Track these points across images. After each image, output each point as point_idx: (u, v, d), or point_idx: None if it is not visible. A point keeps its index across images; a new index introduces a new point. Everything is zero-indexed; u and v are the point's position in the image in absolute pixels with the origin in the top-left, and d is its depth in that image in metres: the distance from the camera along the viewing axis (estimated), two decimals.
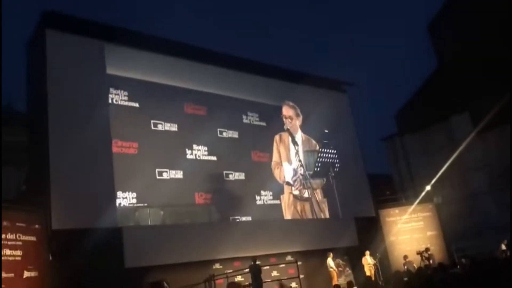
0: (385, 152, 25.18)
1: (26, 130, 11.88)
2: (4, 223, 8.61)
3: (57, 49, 11.33)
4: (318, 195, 12.55)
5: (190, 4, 58.24)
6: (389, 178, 24.12)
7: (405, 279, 8.98)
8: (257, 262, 10.65)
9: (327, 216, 13.89)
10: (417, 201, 17.41)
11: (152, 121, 9.85)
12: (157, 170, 9.60)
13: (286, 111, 12.67)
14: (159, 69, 11.56)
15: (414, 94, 25.31)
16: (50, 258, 9.62)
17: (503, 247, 14.51)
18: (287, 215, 11.82)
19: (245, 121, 11.92)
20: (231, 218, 10.77)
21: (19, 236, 9.01)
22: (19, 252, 8.89)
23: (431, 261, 13.95)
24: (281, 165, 12.03)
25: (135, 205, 9.02)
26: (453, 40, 23.50)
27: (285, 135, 12.35)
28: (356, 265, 14.52)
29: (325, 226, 15.38)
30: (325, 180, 12.71)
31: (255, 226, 13.61)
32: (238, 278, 12.34)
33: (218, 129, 11.19)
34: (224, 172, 11.00)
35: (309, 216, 12.63)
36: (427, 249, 14.73)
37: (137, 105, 9.79)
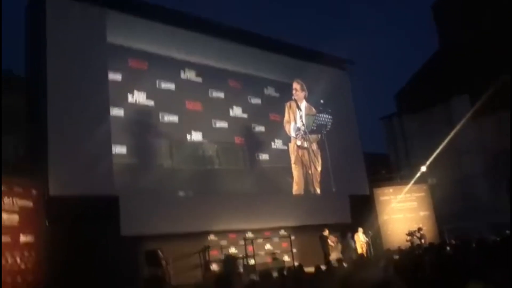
0: (383, 132, 25.25)
1: (24, 95, 11.81)
2: (1, 188, 8.65)
3: (57, 14, 11.19)
4: (313, 146, 16.23)
5: None
6: (385, 157, 24.24)
7: (396, 257, 9.08)
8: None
9: (320, 162, 16.18)
10: (413, 181, 17.52)
11: (209, 89, 14.15)
12: (212, 120, 13.98)
13: (295, 85, 16.28)
14: (175, 42, 13.62)
15: (415, 74, 25.23)
16: (47, 224, 9.69)
17: None
18: (292, 157, 15.68)
19: (265, 92, 15.88)
20: (255, 154, 14.87)
21: (15, 201, 9.06)
22: (15, 217, 8.96)
23: (422, 241, 14.15)
24: (289, 123, 16.04)
25: (201, 140, 13.53)
26: (456, 22, 23.28)
27: (293, 103, 16.16)
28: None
29: (319, 202, 15.70)
30: (319, 136, 16.40)
31: (250, 200, 13.86)
32: (232, 250, 12.55)
33: (248, 96, 15.23)
34: (252, 124, 15.15)
35: (307, 158, 15.85)
36: (419, 229, 14.91)
37: (200, 79, 14.05)
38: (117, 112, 11.94)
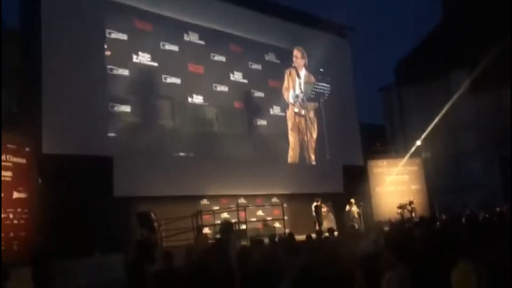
0: (380, 103, 25.12)
1: (18, 48, 11.57)
2: None
3: None
4: (311, 114, 16.55)
5: None
6: (381, 129, 24.21)
7: (386, 228, 9.16)
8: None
9: (316, 129, 16.57)
10: (408, 155, 17.60)
11: (211, 54, 14.25)
12: (213, 84, 14.13)
13: (296, 53, 16.51)
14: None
15: (416, 46, 24.91)
16: (40, 181, 9.68)
17: None
18: (289, 124, 16.00)
19: (266, 58, 15.95)
20: (254, 119, 15.15)
21: (9, 158, 9.02)
22: (9, 173, 8.94)
23: (413, 214, 14.29)
24: (288, 90, 16.23)
25: (202, 103, 13.79)
26: None
27: (293, 70, 16.38)
28: (339, 212, 14.86)
29: (312, 171, 15.84)
30: (317, 104, 16.60)
31: (245, 165, 13.96)
32: (224, 215, 12.65)
33: (249, 62, 15.32)
34: (251, 90, 15.31)
35: (303, 126, 16.25)
36: (411, 202, 15.02)
37: (203, 42, 14.15)
38: (122, 71, 12.10)
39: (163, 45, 13.18)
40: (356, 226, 12.96)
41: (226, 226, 6.13)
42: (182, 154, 13.17)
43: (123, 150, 11.64)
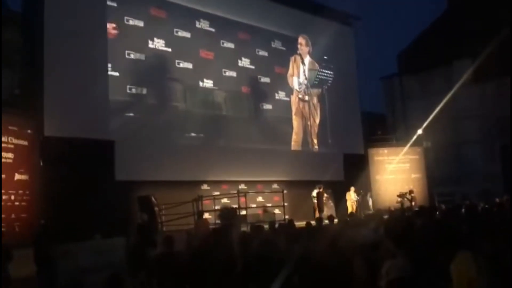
0: (382, 92, 25.06)
1: (20, 30, 11.50)
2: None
3: None
4: (314, 100, 16.98)
5: None
6: (383, 117, 24.19)
7: (385, 217, 9.12)
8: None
9: (319, 115, 16.92)
10: (409, 144, 17.58)
11: (221, 41, 14.78)
12: (223, 69, 14.68)
13: (301, 40, 16.94)
14: None
15: (419, 35, 24.75)
16: (41, 163, 9.69)
17: None
18: (293, 109, 16.49)
19: (273, 46, 16.39)
20: (260, 104, 15.66)
21: (11, 139, 9.03)
22: (10, 155, 8.96)
23: (413, 203, 14.32)
24: (293, 76, 16.68)
25: (212, 87, 14.34)
26: None
27: (298, 57, 16.84)
28: (339, 200, 14.90)
29: (313, 158, 15.94)
30: (320, 90, 17.05)
31: (247, 151, 14.04)
32: (224, 201, 12.70)
33: (256, 49, 15.78)
34: (258, 76, 15.78)
35: (307, 111, 16.65)
36: (411, 191, 15.04)
37: (213, 30, 14.65)
38: (139, 56, 12.57)
39: (177, 32, 13.69)
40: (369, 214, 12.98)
41: (229, 212, 6.12)
42: (193, 134, 13.68)
43: (125, 134, 11.67)
